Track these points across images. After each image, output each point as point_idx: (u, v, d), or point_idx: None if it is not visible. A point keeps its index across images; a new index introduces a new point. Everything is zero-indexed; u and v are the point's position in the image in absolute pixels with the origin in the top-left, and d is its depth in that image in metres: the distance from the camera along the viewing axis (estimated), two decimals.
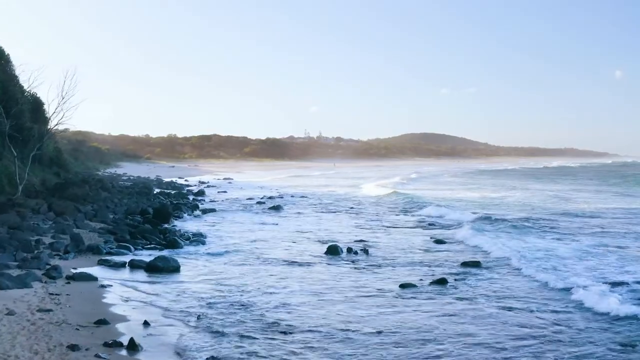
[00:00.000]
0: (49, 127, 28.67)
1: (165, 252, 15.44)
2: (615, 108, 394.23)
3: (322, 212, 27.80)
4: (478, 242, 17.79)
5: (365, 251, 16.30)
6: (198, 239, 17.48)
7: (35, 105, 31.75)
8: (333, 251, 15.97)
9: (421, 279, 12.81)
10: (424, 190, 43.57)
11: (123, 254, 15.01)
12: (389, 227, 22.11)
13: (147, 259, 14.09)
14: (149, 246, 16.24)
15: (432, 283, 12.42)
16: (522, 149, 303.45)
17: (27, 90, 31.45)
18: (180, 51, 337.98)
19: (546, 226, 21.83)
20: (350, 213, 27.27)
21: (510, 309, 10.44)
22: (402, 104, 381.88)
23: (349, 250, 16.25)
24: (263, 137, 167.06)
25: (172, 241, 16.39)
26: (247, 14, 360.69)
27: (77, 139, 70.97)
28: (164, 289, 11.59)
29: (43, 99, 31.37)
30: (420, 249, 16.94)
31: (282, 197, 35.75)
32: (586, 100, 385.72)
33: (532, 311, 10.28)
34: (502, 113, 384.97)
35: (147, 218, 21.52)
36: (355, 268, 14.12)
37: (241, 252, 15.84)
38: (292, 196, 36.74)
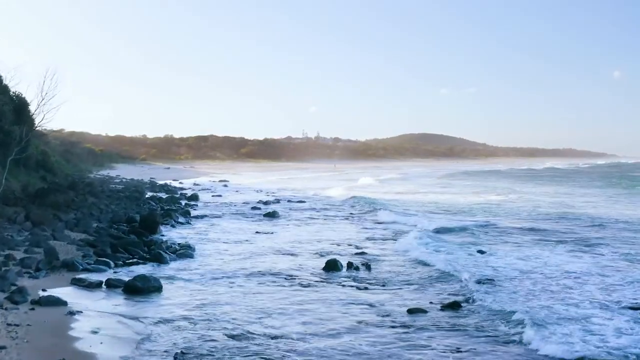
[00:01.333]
0: (29, 129, 27.26)
1: (148, 268, 14.13)
2: (614, 108, 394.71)
3: (319, 218, 26.45)
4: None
5: (367, 266, 14.95)
6: (186, 251, 16.09)
7: (20, 106, 30.31)
8: (332, 267, 14.62)
9: (431, 302, 11.45)
10: (406, 194, 42.38)
11: (101, 270, 13.61)
12: (390, 236, 20.73)
13: (128, 277, 12.75)
14: (130, 261, 14.84)
15: (444, 307, 11.06)
16: (520, 149, 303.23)
17: (12, 90, 30.11)
18: (179, 51, 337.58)
19: (541, 235, 20.65)
20: (349, 220, 25.93)
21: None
22: (401, 104, 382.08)
23: (349, 265, 14.88)
24: (261, 138, 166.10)
25: (157, 255, 14.99)
26: (247, 14, 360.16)
27: (70, 140, 69.61)
28: (141, 317, 10.17)
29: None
30: (425, 264, 15.56)
31: (278, 202, 34.41)
32: (585, 100, 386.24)
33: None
34: (502, 113, 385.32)
35: (134, 227, 20.15)
36: (357, 288, 12.75)
37: (232, 268, 14.45)
38: (288, 201, 35.38)
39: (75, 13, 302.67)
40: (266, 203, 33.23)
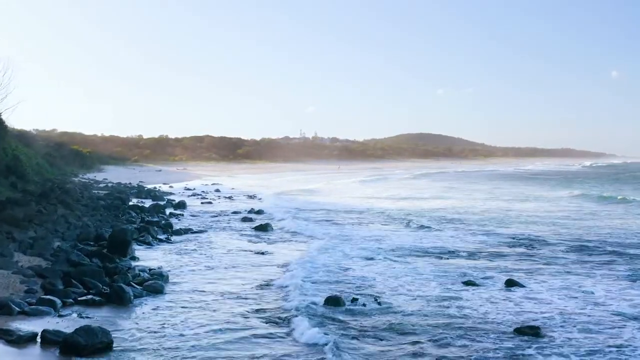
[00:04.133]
0: None
1: (104, 312, 11.31)
2: (613, 108, 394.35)
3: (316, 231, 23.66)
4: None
5: (376, 301, 12.20)
6: (155, 282, 13.24)
7: None
8: (334, 303, 11.87)
9: None
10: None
11: (42, 314, 10.78)
12: (396, 254, 17.91)
13: (75, 324, 9.98)
14: (83, 298, 11.98)
15: None
16: (519, 149, 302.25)
17: None
18: (177, 51, 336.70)
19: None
20: (347, 241, 23.10)
21: None
22: (399, 104, 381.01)
23: (354, 300, 12.16)
24: (258, 138, 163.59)
25: (117, 291, 12.11)
26: (245, 14, 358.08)
27: (57, 142, 66.68)
28: None
29: None
30: (443, 296, 12.70)
31: (272, 211, 31.63)
32: (583, 100, 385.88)
33: None
34: (500, 113, 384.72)
35: (102, 247, 17.38)
36: (367, 339, 9.95)
37: (210, 308, 11.63)
38: (283, 210, 32.58)
39: (74, 13, 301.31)
40: (258, 212, 30.47)
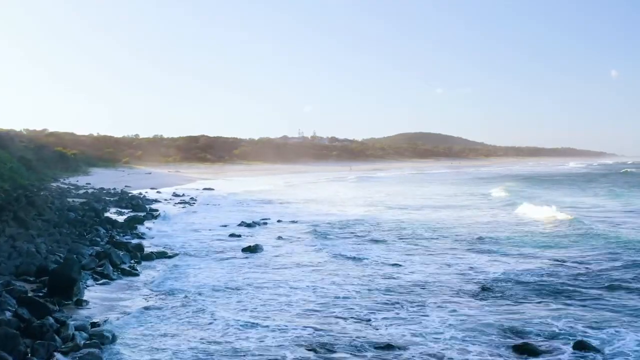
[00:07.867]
0: None
1: None
2: (612, 107, 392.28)
3: (315, 252, 19.88)
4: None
5: None
6: (91, 354, 9.40)
7: None
8: None
9: None
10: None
11: None
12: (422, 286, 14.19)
13: None
14: None
15: None
16: (519, 148, 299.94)
17: None
18: (174, 51, 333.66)
19: None
20: (352, 263, 19.33)
21: None
22: (397, 103, 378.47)
23: None
24: (255, 138, 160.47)
25: None
26: (241, 14, 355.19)
27: (36, 144, 62.82)
28: None
29: None
30: None
31: (265, 223, 27.96)
32: (584, 99, 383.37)
33: None
34: (500, 113, 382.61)
35: (43, 284, 13.68)
36: None
37: None
38: (278, 221, 28.92)
39: (73, 15, 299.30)
40: (249, 225, 26.81)
